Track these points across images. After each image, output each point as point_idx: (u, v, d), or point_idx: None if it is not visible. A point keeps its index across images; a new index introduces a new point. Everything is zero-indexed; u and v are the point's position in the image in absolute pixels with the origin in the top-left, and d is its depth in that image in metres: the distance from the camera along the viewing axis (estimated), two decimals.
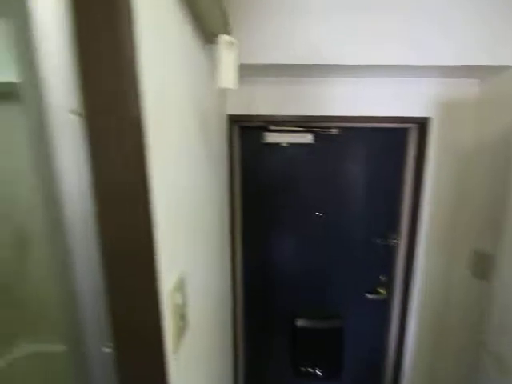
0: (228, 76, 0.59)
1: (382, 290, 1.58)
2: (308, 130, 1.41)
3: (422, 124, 1.36)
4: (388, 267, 1.57)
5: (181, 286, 0.56)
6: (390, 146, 1.45)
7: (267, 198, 1.50)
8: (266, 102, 1.33)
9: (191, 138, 0.70)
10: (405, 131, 1.44)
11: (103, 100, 0.34)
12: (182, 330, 0.58)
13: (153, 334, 0.46)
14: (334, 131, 1.41)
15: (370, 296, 1.58)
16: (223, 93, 1.26)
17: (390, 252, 1.55)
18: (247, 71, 1.22)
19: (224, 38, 0.58)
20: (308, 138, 1.42)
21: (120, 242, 0.40)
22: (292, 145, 1.43)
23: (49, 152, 0.36)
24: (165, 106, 0.52)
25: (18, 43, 0.35)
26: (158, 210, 0.46)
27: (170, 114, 0.55)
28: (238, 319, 1.62)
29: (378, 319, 1.63)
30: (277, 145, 1.42)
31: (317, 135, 1.43)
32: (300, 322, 1.57)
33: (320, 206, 1.50)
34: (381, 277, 1.58)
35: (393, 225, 1.53)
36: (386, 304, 1.61)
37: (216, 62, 0.58)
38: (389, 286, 1.58)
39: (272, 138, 1.40)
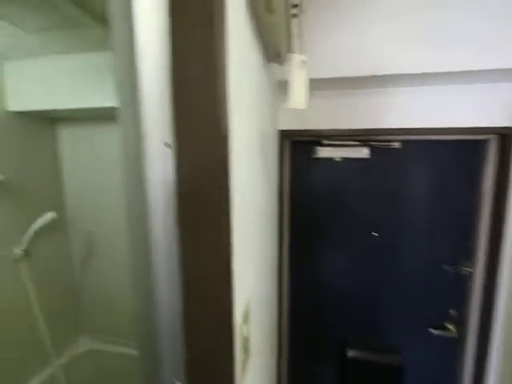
0: (299, 96, 0.57)
1: (450, 326, 1.36)
2: (363, 144, 1.32)
3: (504, 135, 1.17)
4: (459, 300, 1.35)
5: (247, 317, 0.53)
6: (462, 159, 1.28)
7: (317, 215, 1.42)
8: (317, 116, 1.29)
9: (256, 157, 0.69)
10: (481, 143, 1.26)
11: (195, 128, 0.34)
12: (245, 361, 0.55)
13: (225, 368, 0.43)
14: (394, 145, 1.29)
15: (434, 332, 1.37)
16: (276, 108, 1.26)
17: (461, 282, 1.34)
18: None
19: (297, 58, 0.57)
20: (363, 153, 1.33)
21: (200, 269, 0.39)
22: (345, 159, 1.35)
23: (139, 175, 0.37)
24: (241, 126, 0.52)
25: (120, 74, 0.37)
26: (235, 233, 0.45)
27: (244, 134, 0.55)
28: (283, 342, 1.54)
29: (446, 360, 1.40)
30: (329, 159, 1.36)
31: (373, 149, 1.33)
32: (351, 353, 1.42)
33: (376, 225, 1.37)
34: (450, 310, 1.36)
35: (466, 250, 1.32)
36: (456, 343, 1.38)
37: (288, 82, 0.57)
38: (460, 322, 1.35)
39: (324, 152, 1.34)
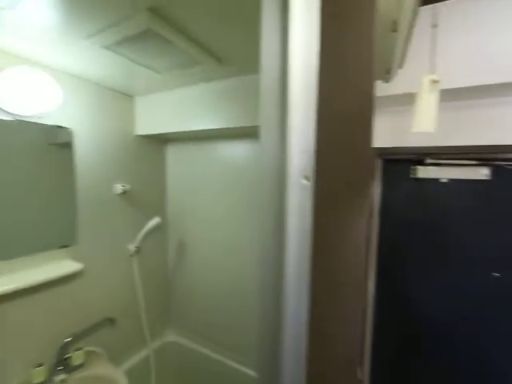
0: (427, 119, 0.52)
1: None
2: (482, 163, 1.09)
3: None
4: None
5: None
6: None
7: (414, 244, 1.24)
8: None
9: None
10: None
11: (338, 165, 0.35)
12: None
13: None
14: None
15: None
16: None
17: None
18: (394, 100, 1.09)
19: (428, 78, 0.52)
20: (481, 174, 1.10)
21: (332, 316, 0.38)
22: (455, 181, 1.15)
23: (276, 204, 0.39)
24: None
25: (264, 95, 0.40)
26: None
27: None
28: None
29: None
30: (433, 181, 1.18)
31: (495, 169, 1.09)
32: None
33: (498, 263, 1.10)
34: None
35: None
36: None
37: (414, 104, 0.53)
38: None
39: (426, 172, 1.17)
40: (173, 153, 1.83)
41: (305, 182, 0.36)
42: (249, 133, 1.45)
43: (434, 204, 1.19)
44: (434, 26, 0.61)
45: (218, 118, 1.33)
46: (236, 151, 1.59)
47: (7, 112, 1.06)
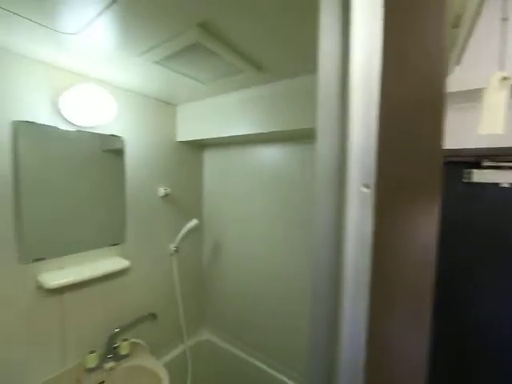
0: (495, 119, 0.47)
1: None
2: None
3: None
4: None
5: None
6: None
7: (471, 258, 1.13)
8: (475, 131, 1.04)
9: None
10: None
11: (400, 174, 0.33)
12: None
13: None
14: None
15: None
16: None
17: None
18: (449, 98, 1.01)
19: (495, 75, 0.47)
20: None
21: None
22: None
23: (333, 217, 0.38)
24: None
25: (322, 96, 0.39)
26: None
27: None
28: None
29: None
30: (491, 185, 1.07)
31: None
32: None
33: None
34: None
35: None
36: None
37: (481, 102, 0.49)
38: None
39: (483, 176, 1.06)
40: (209, 157, 1.91)
41: (365, 189, 0.36)
42: (284, 137, 1.45)
43: (493, 212, 1.08)
44: (505, 19, 0.55)
45: (256, 123, 1.36)
46: (270, 155, 1.60)
47: (71, 123, 1.20)
